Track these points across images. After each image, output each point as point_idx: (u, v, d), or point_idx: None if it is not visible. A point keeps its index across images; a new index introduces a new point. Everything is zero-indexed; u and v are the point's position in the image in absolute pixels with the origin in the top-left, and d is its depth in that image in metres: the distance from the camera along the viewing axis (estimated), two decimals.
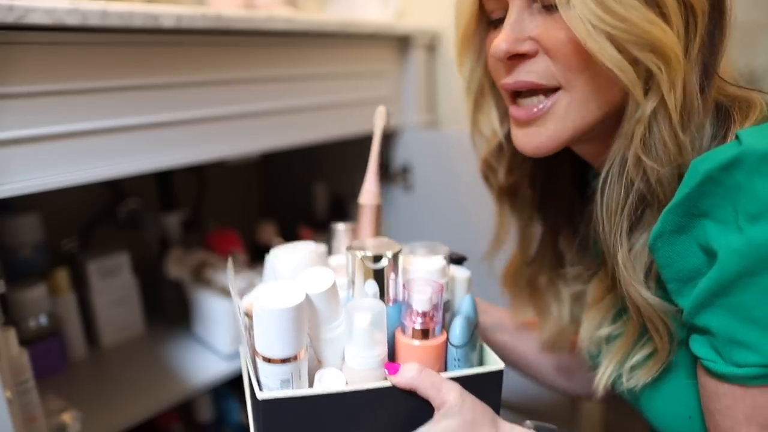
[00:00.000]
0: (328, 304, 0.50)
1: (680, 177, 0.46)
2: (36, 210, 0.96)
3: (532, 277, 0.75)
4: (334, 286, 0.50)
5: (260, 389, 0.47)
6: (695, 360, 0.48)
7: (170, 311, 1.12)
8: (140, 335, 1.08)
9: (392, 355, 0.53)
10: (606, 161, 0.52)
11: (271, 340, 0.46)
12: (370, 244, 0.56)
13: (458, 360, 0.53)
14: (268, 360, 0.47)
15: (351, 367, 0.50)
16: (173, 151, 0.77)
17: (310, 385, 0.50)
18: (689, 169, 0.44)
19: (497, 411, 0.53)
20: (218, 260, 1.06)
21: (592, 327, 0.59)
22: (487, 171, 0.68)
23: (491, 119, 0.64)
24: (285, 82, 0.91)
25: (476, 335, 0.55)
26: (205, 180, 1.25)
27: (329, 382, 0.50)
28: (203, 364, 0.98)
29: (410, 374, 0.49)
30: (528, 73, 0.51)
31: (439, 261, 0.57)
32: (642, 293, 0.49)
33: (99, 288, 1.02)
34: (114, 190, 1.10)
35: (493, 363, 0.54)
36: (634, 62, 0.45)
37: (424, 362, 0.51)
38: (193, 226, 1.19)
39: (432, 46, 1.25)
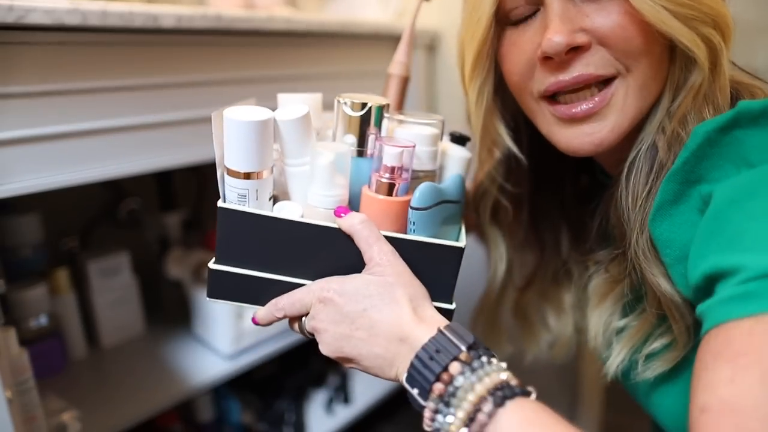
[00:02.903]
0: (298, 136, 0.50)
1: None
2: (36, 210, 0.96)
3: (519, 303, 0.73)
4: (305, 118, 0.50)
5: (224, 201, 0.50)
6: None
7: (170, 311, 1.12)
8: (140, 335, 1.08)
9: (357, 208, 0.52)
10: (633, 148, 0.51)
11: (233, 151, 0.48)
12: (363, 95, 0.54)
13: (414, 224, 0.51)
14: (230, 172, 0.48)
15: (310, 204, 0.51)
16: (173, 151, 0.77)
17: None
18: (690, 135, 0.44)
19: (449, 288, 0.52)
20: None
21: (603, 321, 0.57)
22: (490, 186, 0.63)
23: (500, 133, 0.59)
24: (285, 82, 0.91)
25: (452, 212, 0.53)
26: (205, 180, 1.25)
27: (284, 210, 0.50)
28: (203, 364, 0.98)
29: (352, 221, 0.49)
30: (587, 66, 0.48)
31: (431, 129, 0.55)
32: (660, 281, 0.48)
33: (99, 288, 1.02)
34: (114, 190, 1.10)
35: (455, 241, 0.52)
36: (701, 37, 0.45)
37: (379, 218, 0.50)
38: (193, 226, 1.19)
39: (432, 46, 1.25)
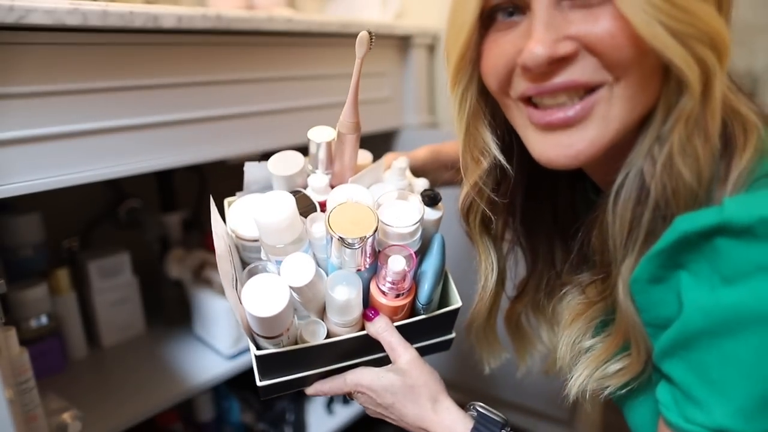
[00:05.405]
0: (310, 287, 0.55)
1: (692, 192, 0.44)
2: (36, 210, 0.96)
3: (512, 313, 0.72)
4: (315, 276, 0.54)
5: (257, 348, 0.57)
6: None
7: (170, 311, 1.12)
8: (140, 335, 1.09)
9: (367, 297, 0.60)
10: (620, 171, 0.47)
11: (261, 329, 0.54)
12: (347, 215, 0.55)
13: (423, 311, 0.62)
14: (261, 336, 0.55)
15: (331, 321, 0.58)
16: (173, 151, 0.77)
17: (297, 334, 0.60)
18: (672, 224, 0.42)
19: (450, 326, 0.66)
20: None
21: (572, 341, 0.56)
22: (477, 197, 0.60)
23: (486, 141, 0.56)
24: (285, 82, 0.91)
25: (443, 275, 0.63)
26: (205, 180, 1.25)
27: (312, 335, 0.60)
28: (203, 364, 0.99)
29: (377, 328, 0.59)
30: (572, 74, 0.45)
31: (411, 224, 0.57)
32: (633, 314, 0.47)
33: (99, 288, 1.02)
34: (114, 190, 1.10)
35: (453, 302, 0.64)
36: (695, 58, 0.41)
37: (390, 313, 0.60)
38: (193, 226, 1.19)
39: (432, 46, 1.26)
